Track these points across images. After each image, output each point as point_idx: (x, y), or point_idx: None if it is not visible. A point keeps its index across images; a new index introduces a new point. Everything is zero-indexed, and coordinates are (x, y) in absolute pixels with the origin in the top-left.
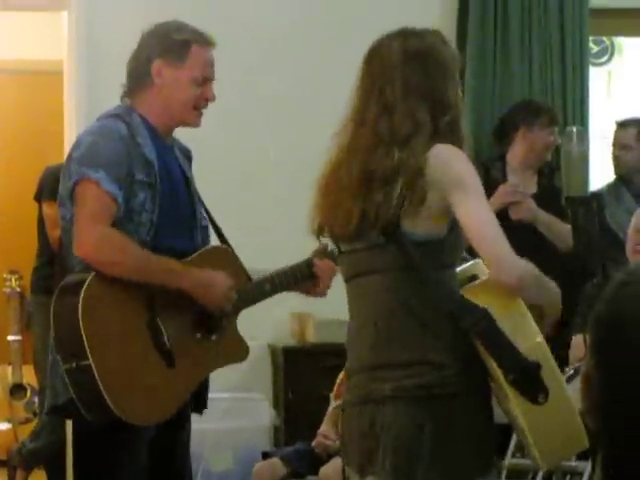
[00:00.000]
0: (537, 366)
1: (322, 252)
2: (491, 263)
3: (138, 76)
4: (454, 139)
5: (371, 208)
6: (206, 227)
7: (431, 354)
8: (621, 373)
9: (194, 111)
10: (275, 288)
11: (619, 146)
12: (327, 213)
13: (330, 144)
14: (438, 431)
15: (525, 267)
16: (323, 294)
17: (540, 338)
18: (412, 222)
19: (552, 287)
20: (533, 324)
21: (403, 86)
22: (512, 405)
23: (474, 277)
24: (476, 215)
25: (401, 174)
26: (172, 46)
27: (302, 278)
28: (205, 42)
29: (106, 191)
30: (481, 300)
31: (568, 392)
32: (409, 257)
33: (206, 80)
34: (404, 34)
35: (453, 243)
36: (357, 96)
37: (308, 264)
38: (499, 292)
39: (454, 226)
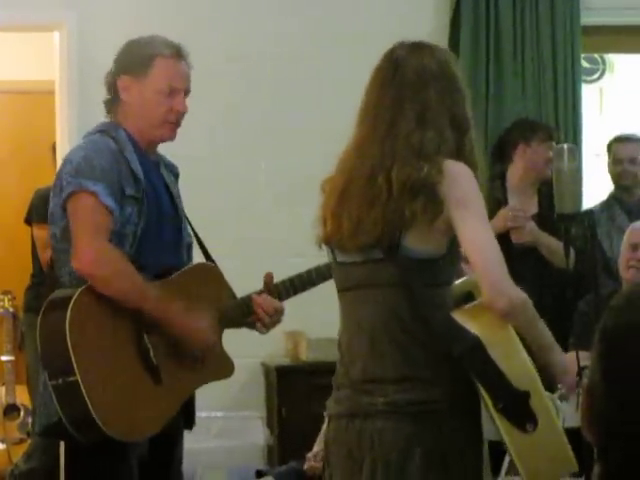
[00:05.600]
0: (526, 395)
1: (267, 285)
2: (485, 286)
3: (111, 92)
4: (472, 159)
5: (388, 216)
6: (190, 245)
7: (423, 371)
8: (628, 383)
9: (165, 124)
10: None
11: (628, 160)
12: (339, 220)
13: (345, 147)
14: (428, 448)
15: (518, 295)
16: (262, 332)
17: (530, 364)
18: (414, 238)
19: (541, 323)
20: (523, 350)
21: (436, 103)
22: (500, 431)
23: (470, 294)
24: (476, 236)
25: (426, 188)
26: (135, 60)
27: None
28: (172, 54)
29: (105, 205)
30: (473, 324)
31: (556, 419)
32: (406, 274)
33: (174, 92)
34: (430, 48)
35: (450, 261)
36: (381, 106)
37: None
38: (492, 316)
39: (453, 244)
